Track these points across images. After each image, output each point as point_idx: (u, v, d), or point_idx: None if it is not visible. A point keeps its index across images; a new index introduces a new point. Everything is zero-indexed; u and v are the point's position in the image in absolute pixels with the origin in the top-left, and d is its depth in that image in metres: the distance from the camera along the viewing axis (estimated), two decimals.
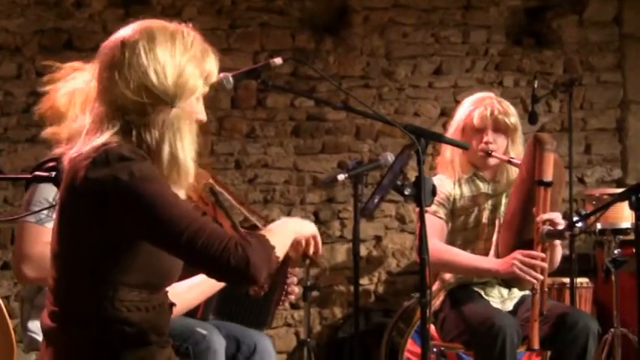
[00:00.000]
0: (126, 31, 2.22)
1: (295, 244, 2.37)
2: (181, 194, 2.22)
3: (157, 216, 2.07)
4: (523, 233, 3.77)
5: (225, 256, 2.06)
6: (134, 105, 2.16)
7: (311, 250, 2.43)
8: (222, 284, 2.77)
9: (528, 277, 3.68)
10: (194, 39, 2.25)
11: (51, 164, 2.97)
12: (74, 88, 2.27)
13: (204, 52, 2.26)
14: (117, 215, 2.11)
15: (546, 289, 3.74)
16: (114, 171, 2.09)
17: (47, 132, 2.26)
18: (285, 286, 3.35)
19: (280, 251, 2.20)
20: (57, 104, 2.27)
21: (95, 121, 2.19)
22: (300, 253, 2.43)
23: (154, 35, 2.20)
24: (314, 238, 2.42)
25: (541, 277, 3.69)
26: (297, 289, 3.17)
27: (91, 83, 2.25)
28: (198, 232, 2.07)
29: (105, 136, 2.15)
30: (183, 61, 2.20)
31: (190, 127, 2.22)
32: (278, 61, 3.14)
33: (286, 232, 2.33)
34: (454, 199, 3.99)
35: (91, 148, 2.14)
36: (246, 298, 3.33)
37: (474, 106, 3.99)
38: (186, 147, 2.20)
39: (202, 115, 2.29)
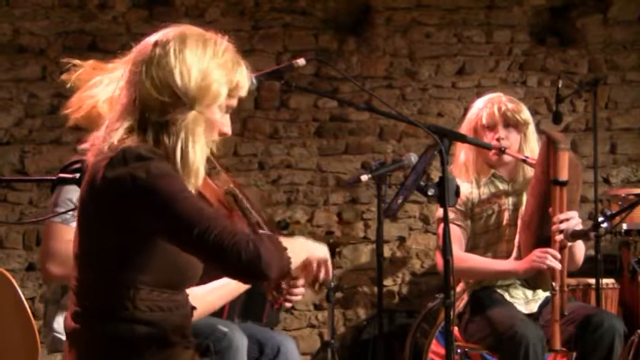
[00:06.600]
0: (161, 33, 2.26)
1: (308, 265, 2.36)
2: None
3: (170, 211, 2.09)
4: (542, 233, 3.75)
5: (237, 251, 2.05)
6: (155, 103, 2.19)
7: (322, 275, 2.41)
8: (242, 289, 2.77)
9: (545, 266, 3.65)
10: (226, 48, 2.27)
11: (76, 166, 2.99)
12: (112, 95, 2.29)
13: (236, 63, 2.28)
14: (134, 213, 2.13)
15: (566, 289, 3.72)
16: (131, 169, 2.11)
17: (91, 138, 2.27)
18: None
19: (292, 255, 2.19)
20: (99, 111, 2.29)
21: (117, 112, 2.22)
22: (311, 276, 2.41)
23: (186, 38, 2.23)
24: (325, 262, 2.41)
25: (559, 265, 3.66)
26: (297, 294, 3.06)
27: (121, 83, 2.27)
28: (210, 227, 2.07)
29: (120, 132, 2.18)
30: (211, 67, 2.22)
31: (207, 132, 2.24)
32: (301, 61, 3.14)
33: (300, 245, 2.31)
34: (472, 203, 3.98)
35: (109, 148, 2.16)
36: (265, 299, 3.33)
37: (482, 106, 3.99)
38: (197, 150, 2.22)
39: (227, 128, 2.31)
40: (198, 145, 2.22)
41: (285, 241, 2.19)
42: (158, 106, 2.19)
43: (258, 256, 2.07)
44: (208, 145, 2.26)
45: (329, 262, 2.42)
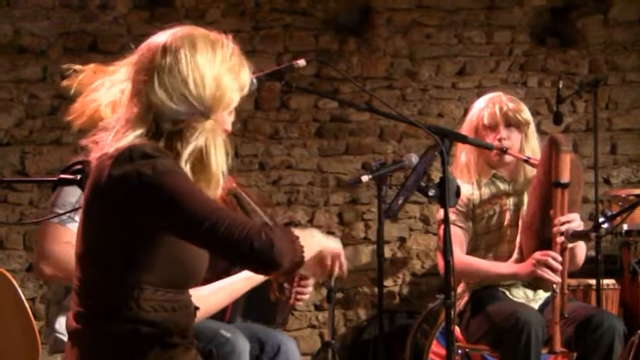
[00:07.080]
0: (167, 36, 2.23)
1: (321, 260, 2.36)
2: None
3: (179, 206, 2.08)
4: (543, 234, 3.75)
5: (249, 241, 2.05)
6: (169, 111, 2.18)
7: (336, 269, 2.42)
8: (247, 287, 2.78)
9: (547, 277, 3.66)
10: (233, 51, 2.27)
11: (77, 167, 2.99)
12: (114, 99, 2.29)
13: (241, 65, 2.28)
14: (141, 210, 2.12)
15: (566, 291, 3.72)
16: (137, 167, 2.11)
17: (89, 140, 2.27)
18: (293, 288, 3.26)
19: (304, 245, 2.18)
20: (101, 115, 2.29)
21: (128, 120, 2.21)
22: (326, 271, 2.42)
23: (196, 43, 2.22)
24: (339, 256, 2.41)
25: (559, 279, 3.67)
26: (306, 294, 3.08)
27: (124, 85, 2.26)
28: (220, 220, 2.07)
29: (131, 137, 2.17)
30: (222, 73, 2.22)
31: (223, 139, 2.25)
32: (302, 62, 3.14)
33: (312, 237, 2.32)
34: (473, 204, 3.98)
35: (115, 149, 2.15)
36: (267, 299, 3.32)
37: (483, 106, 3.99)
38: (219, 160, 2.23)
39: (229, 126, 2.32)
40: (219, 155, 2.23)
41: (297, 233, 2.18)
42: (172, 115, 2.19)
43: (271, 245, 2.06)
44: (227, 152, 2.26)
45: (342, 256, 2.43)
